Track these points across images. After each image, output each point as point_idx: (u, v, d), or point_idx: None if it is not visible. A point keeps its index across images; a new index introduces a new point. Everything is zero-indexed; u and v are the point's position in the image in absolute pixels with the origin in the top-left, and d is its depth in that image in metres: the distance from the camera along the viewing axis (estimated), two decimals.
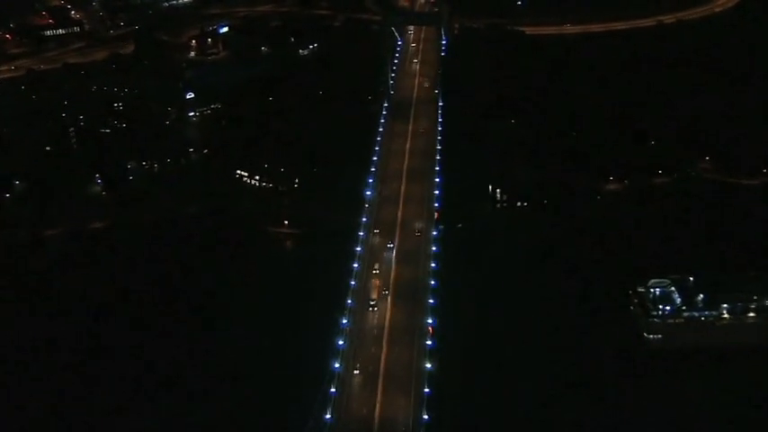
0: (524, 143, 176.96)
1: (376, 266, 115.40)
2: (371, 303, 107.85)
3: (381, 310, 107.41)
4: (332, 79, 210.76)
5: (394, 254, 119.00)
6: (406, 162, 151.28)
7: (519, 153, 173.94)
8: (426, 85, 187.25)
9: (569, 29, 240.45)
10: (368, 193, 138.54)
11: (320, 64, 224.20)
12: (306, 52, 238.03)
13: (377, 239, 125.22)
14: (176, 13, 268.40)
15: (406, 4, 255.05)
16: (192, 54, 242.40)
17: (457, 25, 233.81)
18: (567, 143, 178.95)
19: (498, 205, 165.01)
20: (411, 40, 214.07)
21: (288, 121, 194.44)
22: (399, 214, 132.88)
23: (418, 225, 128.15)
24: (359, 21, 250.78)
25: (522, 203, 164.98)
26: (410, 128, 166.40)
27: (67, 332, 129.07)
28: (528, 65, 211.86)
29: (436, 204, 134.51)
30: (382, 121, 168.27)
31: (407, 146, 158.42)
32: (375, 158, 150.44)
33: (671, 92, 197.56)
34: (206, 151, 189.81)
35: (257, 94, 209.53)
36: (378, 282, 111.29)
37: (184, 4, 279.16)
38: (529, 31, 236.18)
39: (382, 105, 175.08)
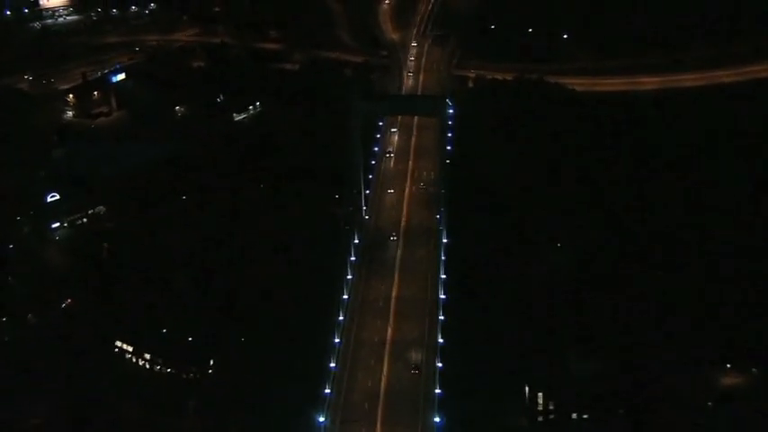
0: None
1: None
2: None
3: None
4: (280, 166, 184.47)
5: None
6: (384, 375, 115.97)
7: (569, 324, 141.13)
8: (422, 194, 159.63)
9: (644, 81, 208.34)
10: None
11: (264, 140, 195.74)
12: (243, 117, 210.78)
13: None
14: (51, 43, 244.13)
15: (394, 37, 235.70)
16: (69, 114, 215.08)
17: (473, 74, 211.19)
18: (645, 301, 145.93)
19: (540, 418, 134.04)
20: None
21: (205, 246, 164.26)
22: None
23: None
24: (325, 62, 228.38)
25: (579, 414, 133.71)
26: (394, 292, 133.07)
27: None
28: (577, 147, 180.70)
29: None
30: (349, 277, 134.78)
31: (388, 333, 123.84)
32: (333, 364, 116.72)
33: None
34: (69, 301, 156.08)
35: (163, 190, 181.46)
36: None
37: (66, 27, 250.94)
38: (579, 84, 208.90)
39: (350, 243, 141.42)
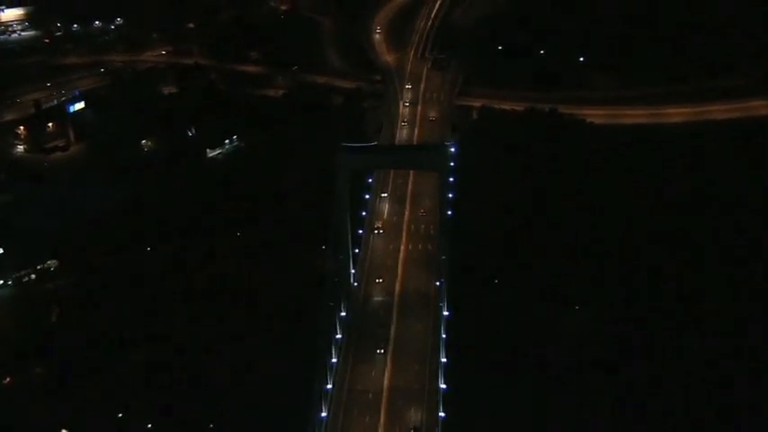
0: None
1: None
2: None
3: None
4: (256, 214, 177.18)
5: None
6: None
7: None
8: (420, 253, 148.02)
9: (672, 111, 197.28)
10: None
11: (240, 182, 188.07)
12: (217, 153, 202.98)
13: None
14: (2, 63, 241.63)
15: (389, 59, 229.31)
16: (20, 149, 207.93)
17: (478, 104, 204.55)
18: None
19: None
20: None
21: (168, 313, 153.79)
22: None
23: None
24: (313, 89, 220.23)
25: None
26: (385, 380, 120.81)
27: None
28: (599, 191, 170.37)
29: None
30: (333, 360, 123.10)
31: None
32: None
33: None
34: (8, 380, 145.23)
35: (125, 240, 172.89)
36: None
37: (20, 44, 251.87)
38: (597, 116, 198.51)
39: (334, 323, 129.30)
